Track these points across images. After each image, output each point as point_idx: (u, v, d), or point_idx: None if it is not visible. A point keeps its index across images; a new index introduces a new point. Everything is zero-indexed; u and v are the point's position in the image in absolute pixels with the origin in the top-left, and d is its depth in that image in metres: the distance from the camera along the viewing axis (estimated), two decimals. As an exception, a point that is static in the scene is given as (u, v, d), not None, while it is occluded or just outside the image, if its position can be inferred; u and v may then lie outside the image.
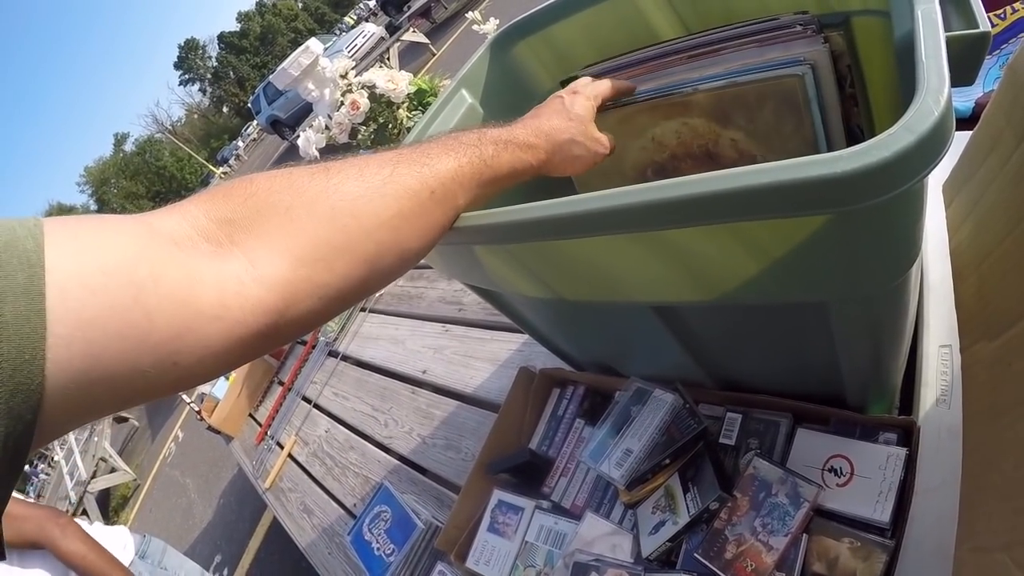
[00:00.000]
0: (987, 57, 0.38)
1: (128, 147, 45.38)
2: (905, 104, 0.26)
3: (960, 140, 0.62)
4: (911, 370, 0.59)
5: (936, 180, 0.70)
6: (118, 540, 1.12)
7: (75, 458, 5.84)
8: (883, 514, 0.50)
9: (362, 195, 0.34)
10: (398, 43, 7.31)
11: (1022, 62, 0.45)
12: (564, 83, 0.70)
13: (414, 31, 7.57)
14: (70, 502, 5.40)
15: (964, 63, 0.31)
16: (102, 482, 5.62)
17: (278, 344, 0.33)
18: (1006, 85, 0.50)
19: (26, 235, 0.24)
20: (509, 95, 0.73)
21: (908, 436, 0.53)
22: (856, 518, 0.51)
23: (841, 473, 0.54)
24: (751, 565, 0.52)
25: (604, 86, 0.58)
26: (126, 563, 1.06)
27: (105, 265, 0.25)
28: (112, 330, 0.25)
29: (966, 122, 0.78)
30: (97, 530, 1.09)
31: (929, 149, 0.24)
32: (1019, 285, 0.42)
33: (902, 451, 0.51)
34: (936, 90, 0.25)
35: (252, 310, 0.29)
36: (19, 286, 0.23)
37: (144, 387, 0.27)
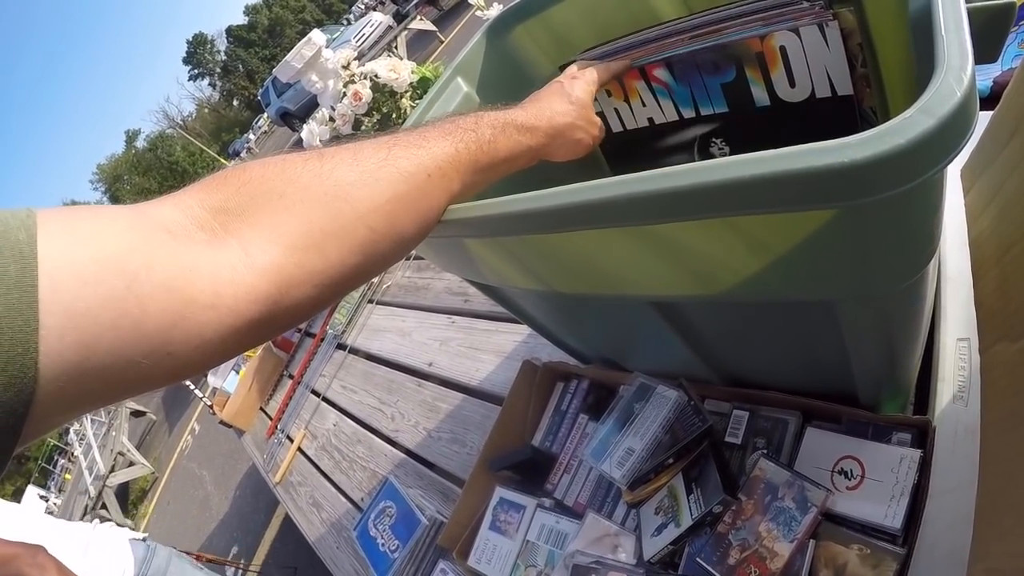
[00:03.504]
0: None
1: (140, 143, 45.26)
2: (922, 85, 0.23)
3: (980, 121, 0.59)
4: (927, 364, 0.56)
5: (954, 164, 0.67)
6: (116, 564, 1.05)
7: (93, 453, 5.95)
8: (895, 519, 0.48)
9: (356, 180, 0.33)
10: (406, 31, 7.27)
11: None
12: (563, 68, 0.68)
13: (421, 19, 7.53)
14: (89, 496, 5.51)
15: (987, 38, 0.28)
16: (121, 476, 5.73)
17: (274, 333, 0.33)
18: (1031, 62, 0.46)
19: (19, 226, 0.24)
20: (506, 82, 0.71)
21: (923, 436, 0.51)
22: (866, 523, 0.49)
23: (851, 475, 0.51)
24: (755, 572, 0.50)
25: (601, 70, 0.57)
26: None
27: (97, 255, 0.25)
28: (105, 320, 0.24)
29: (985, 102, 0.74)
30: (95, 549, 1.02)
31: (951, 134, 0.22)
32: (1046, 280, 0.39)
33: (916, 453, 0.49)
34: (958, 68, 0.22)
35: (245, 298, 0.29)
36: (11, 278, 0.22)
37: (138, 378, 0.26)
